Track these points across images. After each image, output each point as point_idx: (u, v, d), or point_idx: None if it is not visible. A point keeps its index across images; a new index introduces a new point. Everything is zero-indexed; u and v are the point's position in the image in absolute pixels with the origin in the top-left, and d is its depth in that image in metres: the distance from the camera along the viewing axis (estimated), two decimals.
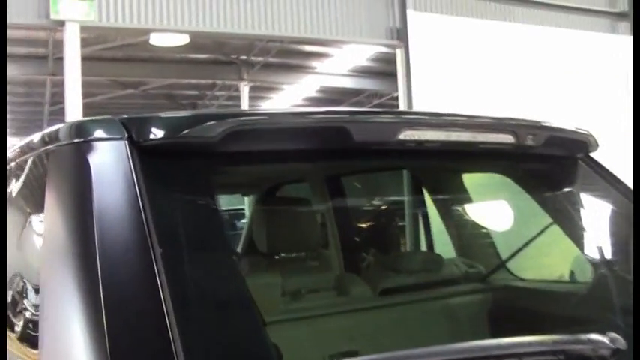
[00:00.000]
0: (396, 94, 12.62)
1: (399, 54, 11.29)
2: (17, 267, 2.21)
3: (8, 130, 23.80)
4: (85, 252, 1.71)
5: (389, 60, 14.12)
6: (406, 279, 3.07)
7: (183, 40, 14.22)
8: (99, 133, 1.94)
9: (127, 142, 1.88)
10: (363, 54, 16.89)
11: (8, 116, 22.47)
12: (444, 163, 2.81)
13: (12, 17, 9.53)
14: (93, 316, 1.60)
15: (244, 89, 18.28)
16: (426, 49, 10.90)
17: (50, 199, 1.98)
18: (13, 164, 2.53)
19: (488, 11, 11.48)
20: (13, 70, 16.60)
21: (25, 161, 2.31)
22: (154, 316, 1.62)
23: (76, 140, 1.96)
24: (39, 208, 2.04)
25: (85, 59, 14.54)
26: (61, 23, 9.56)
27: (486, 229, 3.44)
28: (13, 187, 2.46)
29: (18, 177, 2.40)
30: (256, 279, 3.03)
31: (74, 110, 9.53)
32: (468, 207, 3.48)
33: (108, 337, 1.55)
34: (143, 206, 1.76)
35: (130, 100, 20.70)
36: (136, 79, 19.04)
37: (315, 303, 2.97)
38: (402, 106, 11.22)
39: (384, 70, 16.79)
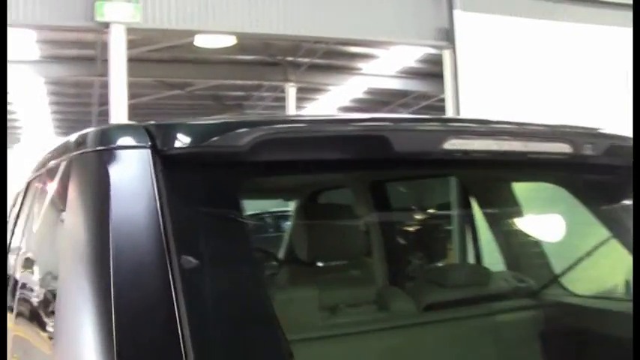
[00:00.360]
0: (443, 96, 12.45)
1: (446, 55, 11.12)
2: (51, 267, 2.16)
3: (58, 130, 24.17)
4: (99, 264, 1.64)
5: (437, 61, 13.95)
6: (452, 294, 2.88)
7: (229, 41, 14.21)
8: (121, 141, 1.84)
9: (150, 150, 1.78)
10: (410, 55, 16.74)
11: (59, 116, 22.76)
12: (493, 173, 2.65)
13: (58, 19, 9.60)
14: (103, 329, 1.53)
15: (290, 91, 18.22)
16: (473, 50, 10.71)
17: (71, 206, 1.92)
18: (48, 166, 2.48)
19: (541, 10, 11.13)
20: (62, 72, 16.81)
21: (58, 164, 2.23)
22: (168, 334, 1.54)
23: (98, 148, 1.87)
24: (64, 212, 1.98)
25: (132, 60, 14.60)
26: (106, 25, 9.58)
27: (538, 241, 3.25)
28: (49, 190, 2.41)
29: (52, 179, 2.33)
30: (293, 292, 2.91)
31: (119, 111, 9.53)
32: (518, 218, 3.29)
33: (116, 352, 1.49)
34: (163, 218, 1.67)
35: (177, 101, 20.81)
36: (182, 80, 19.12)
37: (354, 318, 2.80)
38: (449, 109, 11.04)
39: (432, 71, 16.62)
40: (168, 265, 1.61)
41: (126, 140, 1.84)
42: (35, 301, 2.23)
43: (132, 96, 18.18)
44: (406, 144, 1.99)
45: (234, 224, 1.80)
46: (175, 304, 1.56)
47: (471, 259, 3.76)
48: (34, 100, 20.64)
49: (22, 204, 3.34)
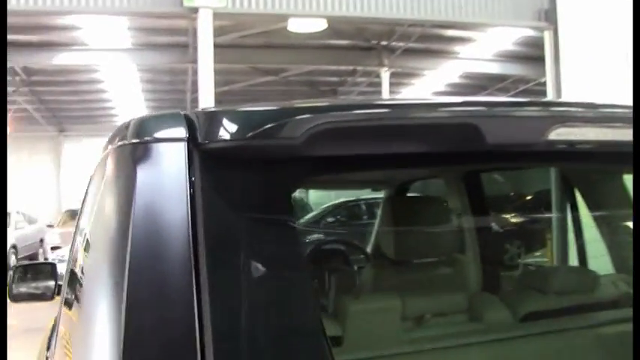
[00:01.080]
0: (543, 80, 11.98)
1: (547, 36, 10.64)
2: (84, 258, 1.98)
3: None
4: (114, 272, 1.45)
5: (536, 43, 13.49)
6: (554, 302, 2.51)
7: (321, 25, 14.03)
8: (156, 133, 1.59)
9: (186, 143, 1.52)
10: (508, 38, 16.28)
11: (153, 104, 23.02)
12: (603, 165, 2.28)
13: (146, 5, 9.57)
14: (111, 332, 1.37)
15: (385, 75, 17.98)
16: (576, 31, 10.16)
17: (101, 203, 1.73)
18: (99, 157, 2.28)
19: None
20: (155, 59, 16.98)
21: (103, 156, 2.01)
22: (184, 352, 1.34)
23: (131, 141, 1.62)
24: (96, 207, 1.81)
25: (225, 47, 14.68)
26: (195, 10, 9.50)
27: None
28: (94, 182, 2.22)
29: (97, 171, 2.13)
30: (372, 300, 2.59)
31: (207, 97, 9.44)
32: (631, 215, 2.91)
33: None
34: (193, 223, 1.43)
35: (271, 88, 20.80)
36: (275, 66, 19.11)
37: (441, 331, 2.47)
38: (550, 93, 10.56)
39: (531, 54, 16.18)
40: (194, 277, 1.39)
41: (161, 132, 1.59)
42: (74, 282, 2.08)
43: (225, 83, 18.48)
44: (504, 133, 1.64)
45: (283, 232, 1.52)
46: (197, 319, 1.35)
47: (575, 261, 3.35)
48: (129, 88, 20.93)
49: (85, 192, 3.22)
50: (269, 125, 1.47)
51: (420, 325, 2.45)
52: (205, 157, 1.50)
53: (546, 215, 4.74)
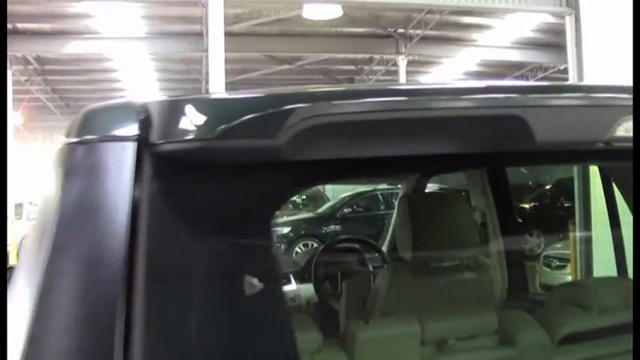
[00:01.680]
0: (562, 67, 11.68)
1: (569, 22, 10.32)
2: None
3: None
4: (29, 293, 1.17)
5: (555, 30, 13.20)
6: (597, 320, 2.15)
7: (337, 12, 13.79)
8: (99, 131, 1.26)
9: (136, 144, 1.19)
10: (526, 24, 15.99)
11: (169, 94, 22.79)
12: None
13: None
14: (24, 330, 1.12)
15: (402, 63, 17.76)
16: (599, 16, 9.83)
17: (40, 208, 1.41)
18: None
19: None
20: (171, 48, 16.78)
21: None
22: None
23: (72, 140, 1.29)
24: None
25: (240, 35, 14.47)
26: None
27: None
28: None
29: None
30: (389, 325, 2.25)
31: (218, 86, 9.20)
32: None
33: None
34: (131, 250, 1.13)
35: (287, 76, 20.61)
36: (291, 55, 18.92)
37: (466, 357, 2.12)
38: (572, 80, 10.25)
39: (550, 41, 15.91)
40: (124, 307, 1.11)
41: (106, 129, 1.27)
42: None
43: (241, 71, 18.27)
44: (567, 131, 1.30)
45: (259, 262, 1.22)
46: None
47: (614, 270, 2.95)
48: (143, 77, 20.77)
49: None
50: (241, 120, 1.15)
51: (443, 351, 2.13)
52: (160, 162, 1.18)
53: (588, 230, 4.41)
